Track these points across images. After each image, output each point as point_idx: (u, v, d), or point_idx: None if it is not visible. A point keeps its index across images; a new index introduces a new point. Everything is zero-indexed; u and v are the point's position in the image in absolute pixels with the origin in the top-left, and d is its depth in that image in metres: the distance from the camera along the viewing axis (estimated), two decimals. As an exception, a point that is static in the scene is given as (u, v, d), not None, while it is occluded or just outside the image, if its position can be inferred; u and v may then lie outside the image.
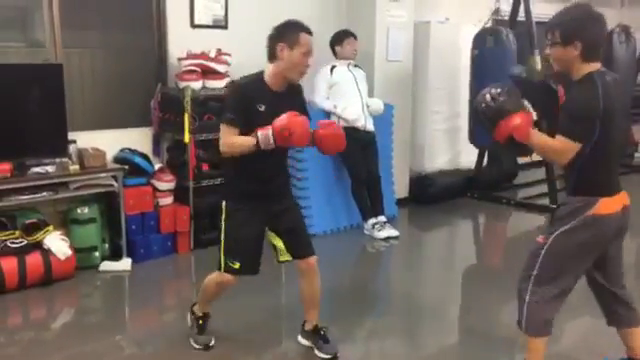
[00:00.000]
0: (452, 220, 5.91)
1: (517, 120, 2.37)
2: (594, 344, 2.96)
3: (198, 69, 4.48)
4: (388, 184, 5.49)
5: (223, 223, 2.87)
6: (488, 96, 2.43)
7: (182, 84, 4.44)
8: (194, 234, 4.61)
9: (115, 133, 4.53)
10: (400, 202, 5.84)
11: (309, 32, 2.77)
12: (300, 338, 3.18)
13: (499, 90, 2.44)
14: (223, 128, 2.75)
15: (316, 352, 3.07)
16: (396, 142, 5.65)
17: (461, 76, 6.28)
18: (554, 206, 2.63)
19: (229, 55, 4.69)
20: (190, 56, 4.53)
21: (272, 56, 2.76)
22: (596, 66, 2.37)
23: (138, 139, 4.63)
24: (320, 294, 3.08)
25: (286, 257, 3.01)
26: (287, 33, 2.74)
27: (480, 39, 5.86)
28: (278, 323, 3.57)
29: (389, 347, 3.28)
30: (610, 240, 2.46)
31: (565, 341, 3.24)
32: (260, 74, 2.81)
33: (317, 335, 3.09)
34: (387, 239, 5.00)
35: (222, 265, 2.88)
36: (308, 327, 3.12)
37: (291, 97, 2.86)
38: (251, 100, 2.73)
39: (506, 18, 6.53)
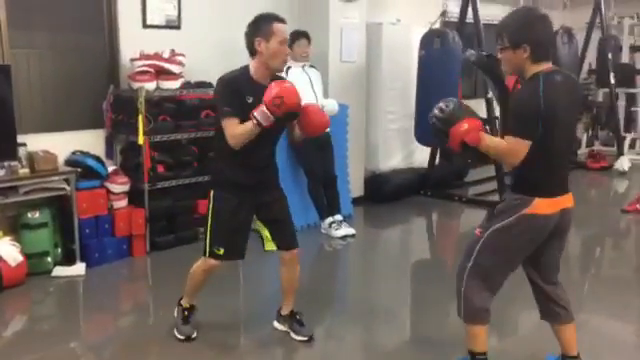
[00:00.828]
0: (406, 218, 6.02)
1: (465, 125, 2.43)
2: (538, 341, 3.07)
3: (152, 70, 4.43)
4: (344, 183, 5.55)
5: (210, 211, 2.97)
6: (437, 110, 2.51)
7: (135, 85, 4.39)
8: (150, 237, 4.55)
9: (67, 135, 4.44)
10: (355, 201, 5.92)
11: (282, 21, 2.89)
12: (276, 323, 3.33)
13: (446, 103, 2.51)
14: (225, 123, 2.79)
15: (292, 335, 3.23)
16: (351, 142, 5.72)
17: (413, 76, 6.38)
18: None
19: (183, 55, 4.66)
20: (143, 57, 4.48)
21: (252, 52, 2.87)
22: (546, 65, 2.41)
23: (91, 141, 4.55)
24: (298, 283, 3.27)
25: (271, 247, 3.13)
26: (261, 26, 2.84)
27: (427, 40, 5.97)
28: (236, 323, 3.56)
29: (346, 346, 3.32)
30: (545, 240, 2.49)
31: (510, 338, 3.37)
32: (245, 68, 2.91)
33: (293, 319, 3.26)
34: (344, 237, 5.07)
35: (207, 251, 2.99)
36: (285, 312, 3.28)
37: None
38: (240, 92, 2.81)
39: (454, 20, 6.70)
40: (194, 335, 3.20)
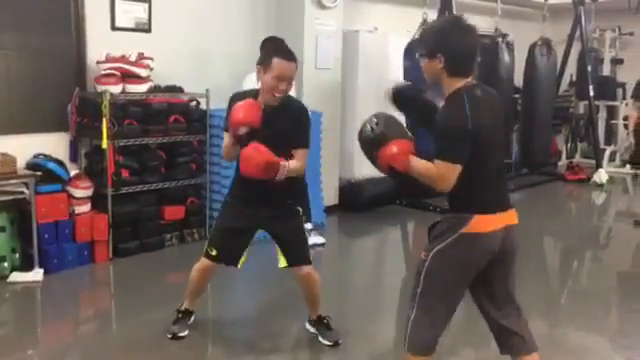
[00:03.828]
0: (380, 227, 5.95)
1: (393, 149, 2.28)
2: None
3: (117, 73, 4.36)
4: (316, 191, 5.48)
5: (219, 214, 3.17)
6: (368, 126, 2.36)
7: (100, 88, 4.31)
8: (113, 243, 4.46)
9: (30, 138, 4.35)
10: (329, 209, 5.85)
11: (285, 57, 2.78)
12: (308, 325, 3.40)
13: (376, 120, 2.35)
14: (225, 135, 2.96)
15: (320, 339, 3.29)
16: (325, 149, 5.66)
17: (390, 85, 6.34)
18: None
19: (151, 59, 4.58)
20: (109, 59, 4.41)
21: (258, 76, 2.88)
22: (465, 81, 2.26)
23: (55, 144, 4.46)
24: (319, 294, 3.29)
25: (283, 263, 3.14)
26: (264, 56, 2.82)
27: (410, 51, 5.93)
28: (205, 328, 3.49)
29: (315, 356, 3.26)
30: (490, 260, 2.29)
31: None
32: (257, 89, 2.92)
33: (321, 324, 3.33)
34: (312, 246, 4.96)
35: (204, 250, 3.13)
36: (312, 317, 3.37)
37: (282, 114, 2.88)
38: None
39: (434, 29, 6.66)
40: (182, 334, 3.23)
